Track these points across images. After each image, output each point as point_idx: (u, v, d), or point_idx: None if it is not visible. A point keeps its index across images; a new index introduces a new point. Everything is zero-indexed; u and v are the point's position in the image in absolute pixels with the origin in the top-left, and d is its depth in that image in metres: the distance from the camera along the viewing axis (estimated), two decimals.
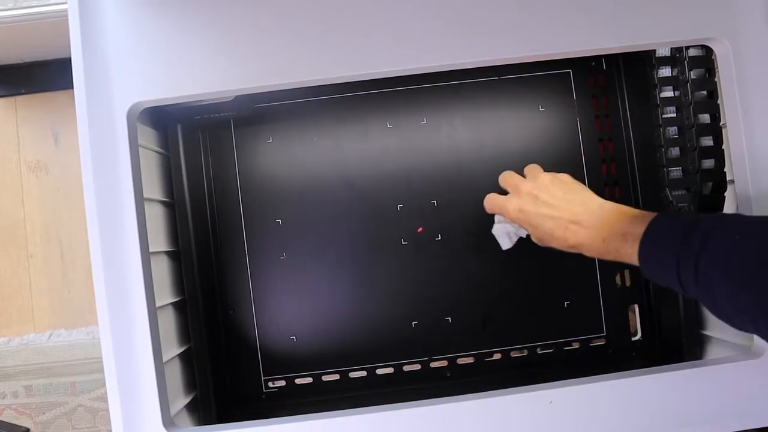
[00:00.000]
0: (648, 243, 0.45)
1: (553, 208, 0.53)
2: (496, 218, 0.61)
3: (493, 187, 0.67)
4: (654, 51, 0.64)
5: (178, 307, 0.62)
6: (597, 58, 0.68)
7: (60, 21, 0.71)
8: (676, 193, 0.64)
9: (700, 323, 0.64)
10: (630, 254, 0.46)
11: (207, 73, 0.50)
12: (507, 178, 0.59)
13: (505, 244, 0.61)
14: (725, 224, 0.42)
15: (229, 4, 0.50)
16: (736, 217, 0.43)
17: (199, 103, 0.56)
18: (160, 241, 0.59)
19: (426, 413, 0.49)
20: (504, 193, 0.59)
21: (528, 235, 0.58)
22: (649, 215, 0.47)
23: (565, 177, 0.56)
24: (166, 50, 0.50)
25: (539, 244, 0.56)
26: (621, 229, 0.47)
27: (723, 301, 0.40)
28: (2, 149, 0.91)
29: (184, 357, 0.61)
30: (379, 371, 0.66)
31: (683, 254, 0.42)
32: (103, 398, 0.86)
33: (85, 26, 0.50)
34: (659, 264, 0.44)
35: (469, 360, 0.67)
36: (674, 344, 0.65)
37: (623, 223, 0.48)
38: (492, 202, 0.59)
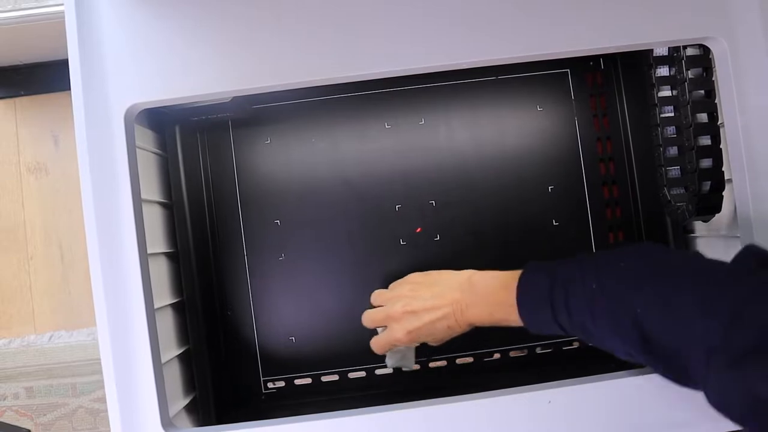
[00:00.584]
0: (524, 311, 0.49)
1: (433, 311, 0.54)
2: (387, 356, 0.60)
3: (492, 188, 0.67)
4: (651, 50, 0.64)
5: (177, 308, 0.62)
6: (595, 58, 0.68)
7: (59, 22, 0.71)
8: (674, 192, 0.64)
9: None
10: (516, 320, 0.50)
11: (205, 74, 0.50)
12: (373, 314, 0.58)
13: (410, 362, 0.60)
14: (578, 268, 0.46)
15: (226, 5, 0.50)
16: (583, 261, 0.47)
17: (196, 105, 0.57)
18: (158, 243, 0.59)
19: (426, 413, 0.49)
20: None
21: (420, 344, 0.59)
22: (515, 277, 0.50)
23: (416, 277, 0.58)
24: (163, 51, 0.50)
25: (439, 344, 0.57)
26: (498, 299, 0.51)
27: (595, 333, 0.45)
28: (2, 151, 0.91)
29: (182, 358, 0.61)
30: (379, 372, 0.66)
31: (555, 309, 0.46)
32: (104, 399, 0.86)
33: (81, 28, 0.50)
34: (540, 323, 0.48)
35: (469, 360, 0.67)
36: None
37: (498, 294, 0.51)
38: (378, 342, 0.58)
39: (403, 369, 0.61)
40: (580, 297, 0.45)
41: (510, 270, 0.52)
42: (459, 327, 0.54)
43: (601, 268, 0.45)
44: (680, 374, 0.42)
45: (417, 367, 0.62)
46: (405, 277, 0.59)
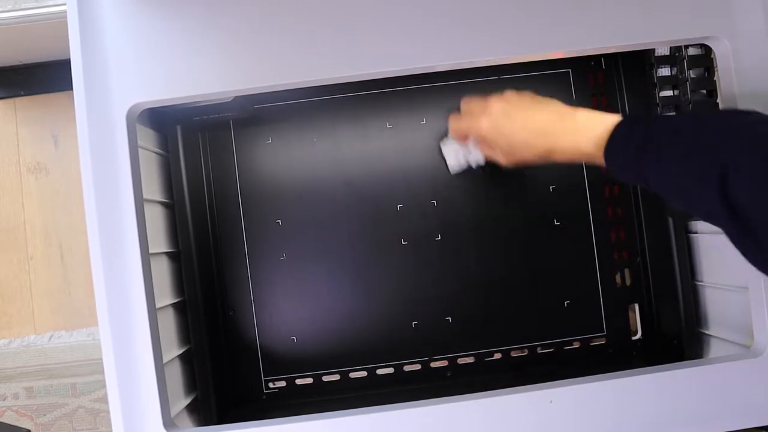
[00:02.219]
0: (611, 156, 0.48)
1: (526, 118, 0.54)
2: (448, 139, 0.61)
3: (491, 187, 0.67)
4: (653, 50, 0.64)
5: (179, 308, 0.62)
6: (596, 58, 0.68)
7: (59, 22, 0.71)
8: None
9: (700, 322, 0.64)
10: (600, 161, 0.49)
11: (206, 73, 0.50)
12: (473, 102, 0.58)
13: (455, 166, 0.61)
14: (671, 126, 0.46)
15: (228, 5, 0.50)
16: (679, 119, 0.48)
17: (198, 104, 0.57)
18: (160, 242, 0.59)
19: (426, 413, 0.49)
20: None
21: (480, 166, 0.61)
22: (614, 120, 0.49)
23: (529, 93, 0.57)
24: (165, 51, 0.50)
25: (505, 161, 0.57)
26: (593, 132, 0.50)
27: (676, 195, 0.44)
28: (2, 151, 0.91)
29: (184, 358, 0.61)
30: (380, 371, 0.66)
31: (644, 161, 0.45)
32: (104, 399, 0.86)
33: (84, 28, 0.50)
34: (626, 171, 0.48)
35: (470, 360, 0.67)
36: (674, 343, 0.65)
37: (595, 126, 0.50)
38: (459, 121, 0.59)
39: (449, 167, 0.62)
40: (671, 151, 0.44)
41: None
42: (538, 148, 0.53)
43: (688, 127, 0.45)
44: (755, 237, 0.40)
45: (458, 169, 0.63)
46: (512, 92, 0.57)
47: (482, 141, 0.58)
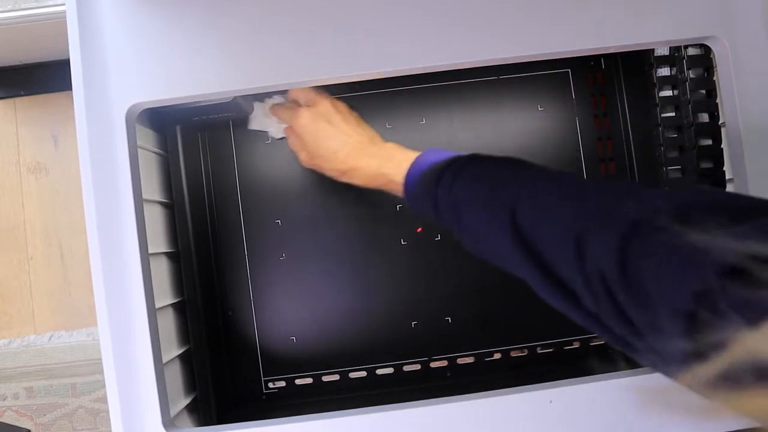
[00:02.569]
0: (411, 176, 0.51)
1: (344, 131, 0.56)
2: (257, 115, 0.64)
3: None
4: (653, 50, 0.64)
5: (178, 308, 0.62)
6: (596, 58, 0.68)
7: (59, 22, 0.71)
8: None
9: None
10: (398, 182, 0.53)
11: (206, 73, 0.50)
12: (304, 91, 0.59)
13: (276, 131, 0.64)
14: (471, 161, 0.48)
15: (228, 5, 0.50)
16: (477, 158, 0.49)
17: (198, 104, 0.57)
18: (159, 243, 0.59)
19: (426, 413, 0.49)
20: None
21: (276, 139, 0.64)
22: (412, 159, 0.53)
23: (356, 114, 0.60)
24: (164, 51, 0.50)
25: (306, 162, 0.59)
26: (395, 156, 0.54)
27: (466, 215, 0.45)
28: (2, 151, 0.91)
29: (183, 358, 0.61)
30: (379, 371, 0.66)
31: (442, 180, 0.47)
32: (104, 399, 0.86)
33: (83, 27, 0.50)
34: (421, 192, 0.50)
35: (469, 360, 0.67)
36: None
37: (399, 153, 0.54)
38: (283, 109, 0.60)
39: (272, 134, 0.64)
40: (465, 178, 0.46)
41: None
42: (342, 162, 0.56)
43: (497, 161, 0.47)
44: (547, 270, 0.38)
45: (280, 134, 0.65)
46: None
47: (293, 132, 0.59)
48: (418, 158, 0.52)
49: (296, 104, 0.60)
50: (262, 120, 0.65)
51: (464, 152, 0.50)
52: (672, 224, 0.30)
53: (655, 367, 0.35)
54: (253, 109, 0.64)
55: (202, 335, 0.63)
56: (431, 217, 0.50)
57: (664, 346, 0.29)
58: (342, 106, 0.59)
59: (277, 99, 0.64)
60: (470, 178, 0.46)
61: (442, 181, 0.47)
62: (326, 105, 0.57)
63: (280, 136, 0.65)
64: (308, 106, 0.58)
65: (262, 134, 0.67)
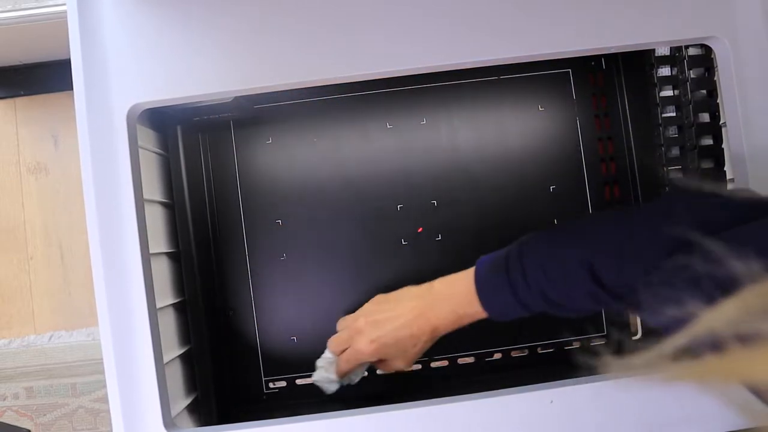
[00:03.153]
0: (484, 296, 0.49)
1: (395, 318, 0.54)
2: (318, 365, 0.59)
3: (494, 188, 0.67)
4: (653, 50, 0.64)
5: (179, 308, 0.62)
6: (596, 58, 0.68)
7: (59, 22, 0.71)
8: None
9: None
10: (479, 311, 0.50)
11: (206, 73, 0.50)
12: (337, 336, 0.58)
13: (332, 387, 0.59)
14: (530, 241, 0.48)
15: (228, 5, 0.50)
16: (530, 236, 0.49)
17: (198, 104, 0.57)
18: (160, 243, 0.59)
19: (426, 413, 0.49)
20: None
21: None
22: (471, 270, 0.51)
23: (378, 297, 0.58)
24: (165, 51, 0.50)
25: (404, 364, 0.56)
26: (458, 292, 0.51)
27: (555, 294, 0.46)
28: (2, 151, 0.91)
29: (184, 358, 0.61)
30: (380, 371, 0.66)
31: (513, 285, 0.47)
32: (104, 399, 0.86)
33: (84, 28, 0.50)
34: (503, 306, 0.49)
35: (469, 360, 0.67)
36: None
37: (457, 286, 0.51)
38: (339, 342, 0.57)
39: (326, 391, 0.59)
40: (534, 265, 0.46)
41: None
42: (424, 335, 0.53)
43: (545, 234, 0.48)
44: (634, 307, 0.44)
45: (336, 387, 0.59)
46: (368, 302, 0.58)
47: (370, 357, 0.56)
48: (476, 280, 0.50)
49: (344, 341, 0.57)
50: (327, 372, 0.59)
51: (507, 249, 0.49)
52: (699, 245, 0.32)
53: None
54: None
55: (203, 335, 0.63)
56: (528, 316, 0.49)
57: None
58: (366, 308, 0.57)
59: (327, 355, 0.59)
60: (535, 261, 0.46)
61: (516, 281, 0.47)
62: (359, 321, 0.55)
63: (362, 374, 0.60)
64: (352, 333, 0.56)
65: (262, 134, 0.67)
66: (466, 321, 0.52)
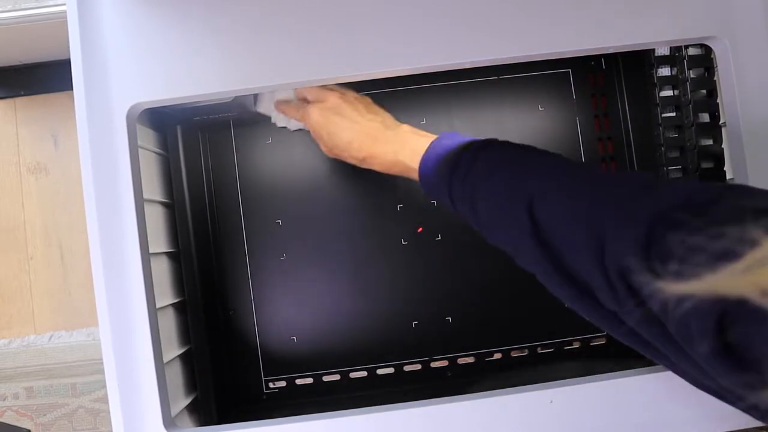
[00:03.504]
0: (426, 162, 0.51)
1: (356, 121, 0.56)
2: (273, 112, 0.63)
3: None
4: (653, 50, 0.64)
5: (179, 308, 0.62)
6: (596, 58, 0.68)
7: (59, 22, 0.71)
8: None
9: None
10: (414, 170, 0.52)
11: (206, 73, 0.50)
12: (311, 90, 0.59)
13: (294, 125, 0.63)
14: (485, 147, 0.48)
15: (228, 5, 0.50)
16: (492, 144, 0.48)
17: (198, 104, 0.57)
18: (160, 242, 0.59)
19: (426, 413, 0.49)
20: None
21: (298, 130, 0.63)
22: (431, 141, 0.52)
23: (367, 98, 0.60)
24: (165, 51, 0.50)
25: (327, 153, 0.59)
26: (412, 145, 0.53)
27: (483, 215, 0.45)
28: (2, 151, 0.91)
29: (184, 358, 0.61)
30: (380, 371, 0.66)
31: (458, 168, 0.47)
32: (104, 399, 0.86)
33: (84, 27, 0.50)
34: (436, 181, 0.49)
35: (470, 360, 0.67)
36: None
37: (416, 140, 0.53)
38: (291, 105, 0.60)
39: (280, 124, 0.64)
40: (480, 168, 0.45)
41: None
42: (358, 151, 0.55)
43: (511, 148, 0.47)
44: (563, 268, 0.39)
45: (287, 125, 0.64)
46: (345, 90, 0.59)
47: (309, 127, 0.59)
48: (432, 144, 0.52)
49: (305, 101, 0.60)
50: (269, 108, 0.64)
51: (480, 137, 0.50)
52: (690, 220, 0.30)
53: (671, 366, 0.35)
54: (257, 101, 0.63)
55: (203, 335, 0.63)
56: (447, 206, 0.49)
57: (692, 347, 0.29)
58: (350, 95, 0.58)
59: (284, 95, 0.63)
60: (485, 167, 0.45)
61: (458, 169, 0.46)
62: (334, 98, 0.57)
63: (295, 128, 0.65)
64: (316, 101, 0.58)
65: (262, 134, 0.67)
66: (398, 173, 0.55)
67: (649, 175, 0.41)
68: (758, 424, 0.51)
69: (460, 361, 0.67)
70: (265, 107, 0.63)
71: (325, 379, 0.66)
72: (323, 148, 0.59)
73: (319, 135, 0.58)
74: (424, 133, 0.54)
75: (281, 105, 0.62)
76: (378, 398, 0.59)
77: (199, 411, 0.62)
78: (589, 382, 0.50)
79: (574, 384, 0.50)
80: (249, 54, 0.50)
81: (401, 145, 0.53)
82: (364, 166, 0.57)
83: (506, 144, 0.48)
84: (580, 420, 0.50)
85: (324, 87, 0.59)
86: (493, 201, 0.43)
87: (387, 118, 0.57)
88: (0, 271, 0.90)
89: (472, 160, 0.46)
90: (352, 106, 0.57)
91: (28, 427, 0.83)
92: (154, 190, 0.59)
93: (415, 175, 0.52)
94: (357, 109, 0.57)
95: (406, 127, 0.55)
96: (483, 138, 0.50)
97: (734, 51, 0.51)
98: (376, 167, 0.56)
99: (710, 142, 0.61)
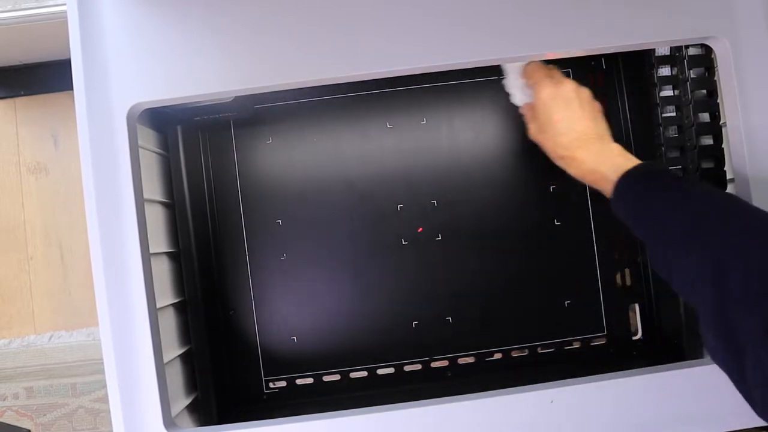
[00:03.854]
0: (618, 193, 0.50)
1: (577, 119, 0.55)
2: (510, 74, 0.61)
3: (494, 187, 0.67)
4: (653, 50, 0.64)
5: (179, 308, 0.62)
6: (596, 58, 0.68)
7: (59, 22, 0.71)
8: None
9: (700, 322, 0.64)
10: (610, 181, 0.51)
11: (206, 73, 0.50)
12: (554, 70, 0.59)
13: (520, 99, 0.61)
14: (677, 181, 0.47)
15: (228, 5, 0.50)
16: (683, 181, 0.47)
17: (198, 104, 0.57)
18: (160, 242, 0.59)
19: (426, 413, 0.49)
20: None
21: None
22: (633, 161, 0.51)
23: (598, 105, 0.58)
24: (165, 51, 0.50)
25: (532, 135, 0.59)
26: (616, 161, 0.52)
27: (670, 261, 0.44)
28: (2, 151, 0.91)
29: (184, 358, 0.61)
30: (380, 371, 0.66)
31: (648, 198, 0.47)
32: (104, 399, 0.86)
33: (84, 27, 0.50)
34: (627, 206, 0.49)
35: (470, 360, 0.67)
36: (675, 343, 0.65)
37: (621, 159, 0.52)
38: (537, 71, 0.58)
39: (515, 100, 0.62)
40: (669, 205, 0.45)
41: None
42: (563, 147, 0.55)
43: (705, 192, 0.45)
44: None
45: (523, 101, 0.62)
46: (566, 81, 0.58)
47: (535, 101, 0.58)
48: (636, 167, 0.50)
49: (546, 77, 0.58)
50: (523, 92, 0.61)
51: (660, 181, 0.48)
52: None
53: None
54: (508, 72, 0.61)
55: (203, 335, 0.63)
56: (630, 225, 0.49)
57: None
58: (585, 94, 0.57)
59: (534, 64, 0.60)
60: (672, 206, 0.45)
61: (648, 199, 0.47)
62: (570, 88, 0.56)
63: (520, 103, 0.62)
64: (555, 83, 0.57)
65: (262, 134, 0.67)
66: (594, 183, 0.54)
67: None
68: (758, 424, 0.51)
69: (460, 361, 0.67)
70: (510, 83, 0.62)
71: (326, 379, 0.66)
72: (531, 127, 0.59)
73: (537, 113, 0.57)
74: (631, 156, 0.53)
75: (531, 67, 0.59)
76: (378, 398, 0.59)
77: (200, 411, 0.62)
78: (589, 382, 0.50)
79: (574, 384, 0.50)
80: (249, 54, 0.50)
81: (606, 159, 0.53)
82: (559, 164, 0.56)
83: (700, 184, 0.48)
84: (580, 420, 0.50)
85: (564, 75, 0.58)
86: (681, 248, 0.43)
87: (604, 131, 0.56)
88: (0, 271, 0.90)
89: (665, 196, 0.46)
90: (580, 104, 0.56)
91: (28, 427, 0.83)
92: (154, 189, 0.59)
93: (609, 187, 0.51)
94: (584, 109, 0.56)
95: (616, 146, 0.54)
96: (675, 174, 0.49)
97: (734, 51, 0.51)
98: (571, 170, 0.55)
99: (710, 142, 0.61)
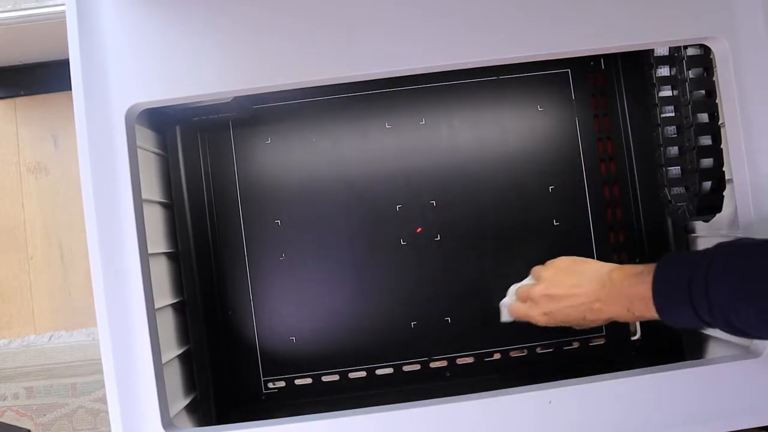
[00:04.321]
0: (661, 307, 0.47)
1: (571, 298, 0.53)
2: (508, 296, 0.60)
3: (493, 187, 0.67)
4: (652, 50, 0.64)
5: (178, 308, 0.62)
6: (595, 58, 0.68)
7: (59, 22, 0.71)
8: (675, 192, 0.64)
9: None
10: (654, 315, 0.48)
11: (206, 73, 0.50)
12: (519, 292, 0.58)
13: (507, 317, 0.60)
14: (721, 254, 0.45)
15: (228, 5, 0.50)
16: (727, 245, 0.46)
17: (197, 105, 0.57)
18: (159, 243, 0.59)
19: (426, 413, 0.49)
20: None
21: None
22: (651, 269, 0.48)
23: (562, 262, 0.56)
24: (164, 51, 0.50)
25: (578, 328, 0.56)
26: (638, 294, 0.49)
27: (736, 321, 0.43)
28: (2, 151, 0.91)
29: (183, 358, 0.61)
30: (379, 371, 0.66)
31: (694, 300, 0.44)
32: (104, 399, 0.86)
33: (83, 28, 0.50)
34: (679, 318, 0.46)
35: (469, 360, 0.67)
36: (674, 344, 0.65)
37: (636, 287, 0.49)
38: (517, 312, 0.58)
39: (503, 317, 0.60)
40: (721, 306, 0.43)
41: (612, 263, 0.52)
42: (597, 321, 0.53)
43: (735, 267, 0.44)
44: None
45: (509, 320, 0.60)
46: (551, 261, 0.57)
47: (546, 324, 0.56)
48: (656, 291, 0.48)
49: (526, 310, 0.57)
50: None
51: (692, 257, 0.47)
52: None
53: None
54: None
55: (202, 335, 0.63)
56: (698, 327, 0.47)
57: None
58: (548, 273, 0.55)
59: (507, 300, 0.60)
60: (727, 303, 0.43)
61: (700, 310, 0.44)
62: (538, 290, 0.55)
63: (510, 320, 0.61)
64: (528, 300, 0.56)
65: (262, 134, 0.67)
66: (642, 319, 0.53)
67: None
68: (758, 424, 0.51)
69: (459, 361, 0.67)
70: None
71: (325, 379, 0.66)
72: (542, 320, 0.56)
73: (555, 323, 0.55)
74: (633, 269, 0.50)
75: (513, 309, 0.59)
76: (377, 398, 0.59)
77: (198, 411, 0.62)
78: (589, 382, 0.50)
79: (574, 384, 0.50)
80: (249, 54, 0.50)
81: (629, 299, 0.50)
82: (602, 322, 0.54)
83: (722, 260, 0.45)
84: (579, 420, 0.50)
85: (523, 290, 0.57)
86: (750, 320, 0.43)
87: (594, 272, 0.54)
88: (0, 271, 0.90)
89: (706, 298, 0.44)
90: (558, 287, 0.54)
91: (28, 427, 0.83)
92: (153, 190, 0.59)
93: (655, 316, 0.48)
94: (563, 285, 0.54)
95: (615, 274, 0.51)
96: (708, 253, 0.47)
97: (733, 51, 0.51)
98: (617, 319, 0.53)
99: (709, 142, 0.61)
